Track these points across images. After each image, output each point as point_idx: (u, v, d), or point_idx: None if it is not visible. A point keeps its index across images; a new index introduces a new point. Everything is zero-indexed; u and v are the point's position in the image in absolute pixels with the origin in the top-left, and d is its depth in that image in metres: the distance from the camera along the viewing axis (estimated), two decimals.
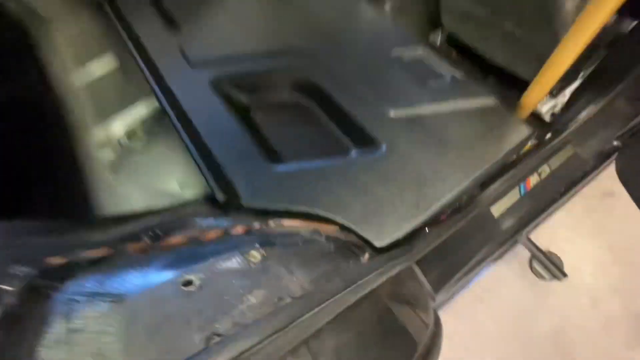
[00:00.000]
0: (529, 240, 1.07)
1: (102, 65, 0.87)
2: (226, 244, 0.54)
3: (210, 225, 0.59)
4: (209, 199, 0.65)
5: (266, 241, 0.53)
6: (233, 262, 0.48)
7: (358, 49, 0.85)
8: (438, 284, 0.78)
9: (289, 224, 0.59)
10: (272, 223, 0.58)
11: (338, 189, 0.64)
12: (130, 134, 0.79)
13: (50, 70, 0.83)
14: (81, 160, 0.74)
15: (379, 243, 0.59)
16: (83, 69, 0.86)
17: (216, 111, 0.76)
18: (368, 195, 0.63)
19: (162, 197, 0.71)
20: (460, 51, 0.90)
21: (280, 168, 0.68)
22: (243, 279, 0.46)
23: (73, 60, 0.88)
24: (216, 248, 0.53)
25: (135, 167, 0.74)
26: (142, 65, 0.80)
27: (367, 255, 0.58)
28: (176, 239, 0.54)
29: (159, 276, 0.45)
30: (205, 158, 0.69)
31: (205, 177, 0.67)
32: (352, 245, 0.58)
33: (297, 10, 0.95)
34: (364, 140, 0.74)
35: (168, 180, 0.73)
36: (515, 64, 0.78)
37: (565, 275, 1.12)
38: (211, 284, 0.44)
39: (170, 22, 0.93)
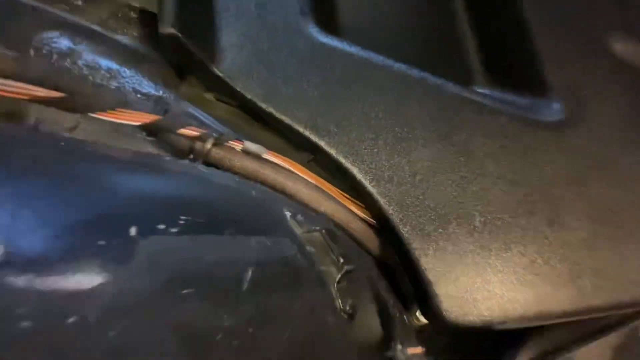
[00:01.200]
0: None
1: None
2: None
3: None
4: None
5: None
6: None
7: None
8: None
9: (280, 161, 0.24)
10: (236, 147, 0.22)
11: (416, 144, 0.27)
12: None
13: None
14: None
15: (454, 313, 0.23)
16: None
17: None
18: (479, 201, 0.26)
19: None
20: None
21: (327, 40, 0.30)
22: None
23: None
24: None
25: None
26: None
27: (412, 325, 0.24)
28: None
29: None
30: None
31: None
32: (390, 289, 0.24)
33: None
34: (515, 74, 0.34)
35: None
36: None
37: None
38: None
39: None
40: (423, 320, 0.26)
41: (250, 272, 0.11)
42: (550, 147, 0.29)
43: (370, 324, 0.18)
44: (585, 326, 0.29)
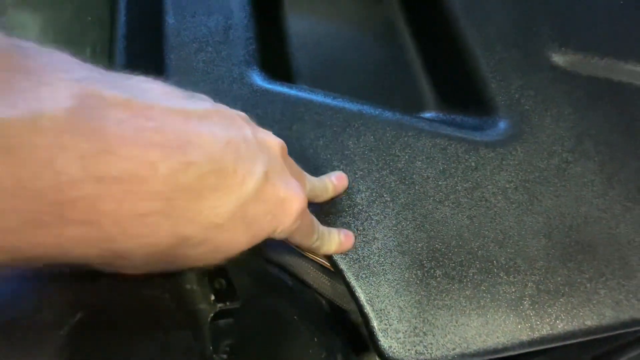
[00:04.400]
0: None
1: None
2: None
3: None
4: None
5: None
6: None
7: None
8: None
9: None
10: None
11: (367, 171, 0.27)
12: None
13: None
14: None
15: (394, 348, 0.22)
16: None
17: None
18: (422, 227, 0.26)
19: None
20: None
21: (269, 85, 0.32)
22: None
23: None
24: None
25: None
26: None
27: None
28: None
29: None
30: (136, 20, 0.35)
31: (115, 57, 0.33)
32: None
33: None
34: (462, 96, 0.35)
35: (82, 31, 0.40)
36: None
37: None
38: None
39: None
40: None
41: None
42: (495, 165, 0.28)
43: None
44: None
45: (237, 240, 0.15)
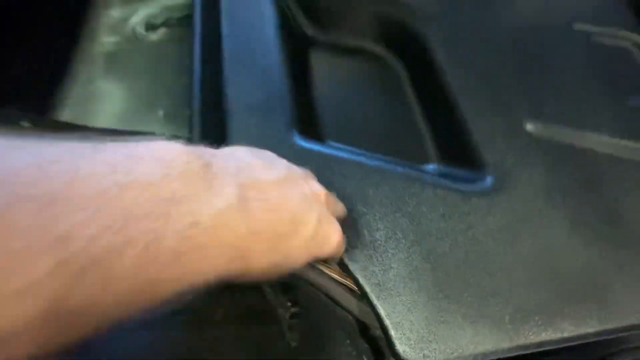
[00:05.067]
0: None
1: None
2: None
3: None
4: None
5: None
6: None
7: (514, 7, 0.51)
8: None
9: None
10: None
11: (375, 221, 0.35)
12: (151, 26, 0.58)
13: None
14: (76, 40, 0.55)
15: (407, 352, 0.29)
16: None
17: (261, 29, 0.51)
18: (427, 259, 0.34)
19: (140, 114, 0.49)
20: None
21: (308, 144, 0.41)
22: None
23: None
24: None
25: (133, 65, 0.53)
26: None
27: None
28: None
29: None
30: (206, 93, 0.45)
31: (191, 122, 0.43)
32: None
33: None
34: (459, 155, 0.43)
35: (156, 97, 0.51)
36: None
37: None
38: None
39: None
40: None
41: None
42: (483, 212, 0.36)
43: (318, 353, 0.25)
44: None
45: (299, 262, 0.24)
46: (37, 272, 0.11)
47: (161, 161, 0.16)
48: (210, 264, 0.17)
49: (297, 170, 0.27)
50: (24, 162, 0.12)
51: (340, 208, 0.32)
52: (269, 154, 0.26)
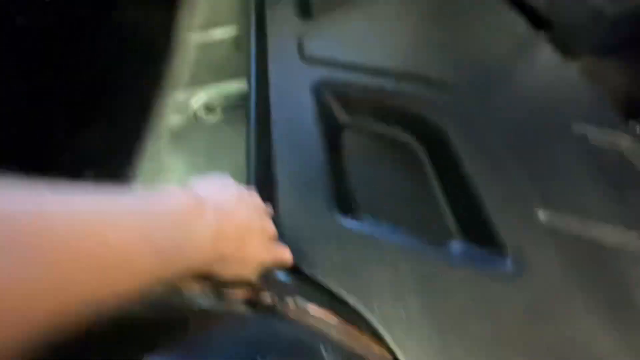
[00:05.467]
0: None
1: (219, 32, 0.79)
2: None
3: None
4: None
5: (266, 329, 0.33)
6: None
7: (519, 105, 0.60)
8: None
9: (318, 314, 0.38)
10: (292, 302, 0.37)
11: (410, 292, 0.41)
12: (210, 109, 0.68)
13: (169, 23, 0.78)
14: (147, 117, 0.65)
15: None
16: (201, 31, 0.79)
17: (304, 116, 0.60)
18: (459, 333, 0.38)
19: None
20: None
21: (348, 223, 0.48)
22: None
23: (197, 19, 0.82)
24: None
25: (195, 146, 0.62)
26: (253, 40, 0.70)
27: None
28: None
29: None
30: (259, 170, 0.53)
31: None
32: None
33: (450, 38, 0.75)
34: (478, 233, 0.49)
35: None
36: None
37: None
38: None
39: (305, 10, 0.82)
40: None
41: None
42: (505, 294, 0.41)
43: None
44: None
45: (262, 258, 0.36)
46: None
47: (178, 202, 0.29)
48: (199, 257, 0.30)
49: (245, 195, 0.39)
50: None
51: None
52: (228, 181, 0.38)
